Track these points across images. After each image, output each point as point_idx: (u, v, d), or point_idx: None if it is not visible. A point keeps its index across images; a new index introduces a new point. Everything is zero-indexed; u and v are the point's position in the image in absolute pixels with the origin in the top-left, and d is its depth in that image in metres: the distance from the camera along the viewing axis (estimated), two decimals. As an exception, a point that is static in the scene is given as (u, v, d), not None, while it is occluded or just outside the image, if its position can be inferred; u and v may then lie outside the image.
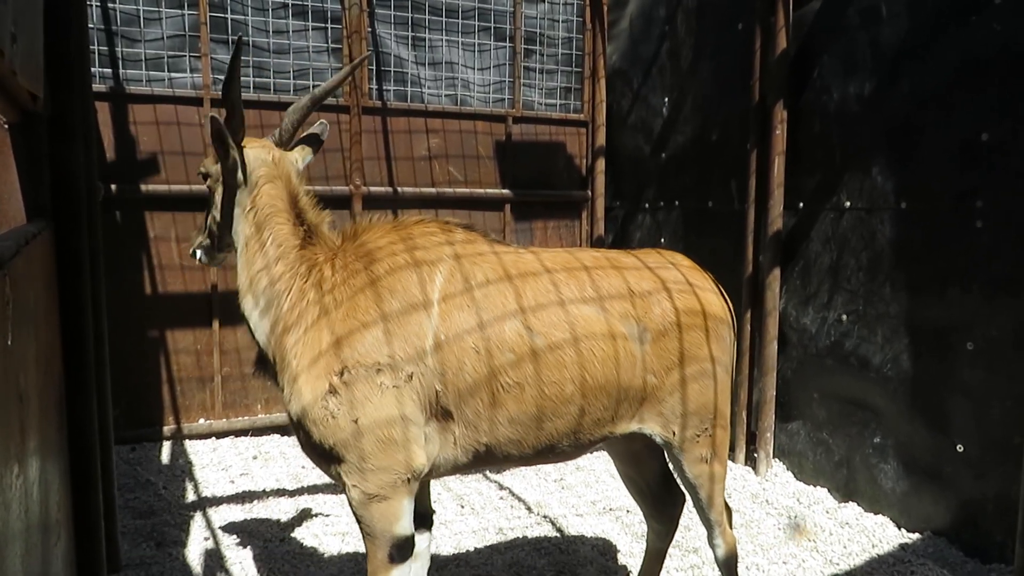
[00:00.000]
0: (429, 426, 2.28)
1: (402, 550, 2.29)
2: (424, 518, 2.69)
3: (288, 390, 2.27)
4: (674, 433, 2.57)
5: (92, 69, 4.56)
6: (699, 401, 2.57)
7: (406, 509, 2.27)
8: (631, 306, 2.46)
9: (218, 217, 2.51)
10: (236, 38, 2.66)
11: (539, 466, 4.73)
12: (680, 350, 2.52)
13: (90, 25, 4.59)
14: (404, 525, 2.28)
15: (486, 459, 2.40)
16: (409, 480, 2.24)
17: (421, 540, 2.65)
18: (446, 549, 3.61)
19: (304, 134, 2.69)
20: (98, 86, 4.70)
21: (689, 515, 3.95)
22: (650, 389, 2.51)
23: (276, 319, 2.36)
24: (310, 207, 2.48)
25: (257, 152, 2.47)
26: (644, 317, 2.48)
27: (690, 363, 2.54)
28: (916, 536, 3.76)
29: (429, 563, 2.75)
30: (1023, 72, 3.33)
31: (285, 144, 2.58)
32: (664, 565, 3.13)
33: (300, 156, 2.62)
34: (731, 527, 2.83)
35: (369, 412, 2.17)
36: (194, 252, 2.64)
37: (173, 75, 4.94)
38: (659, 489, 3.01)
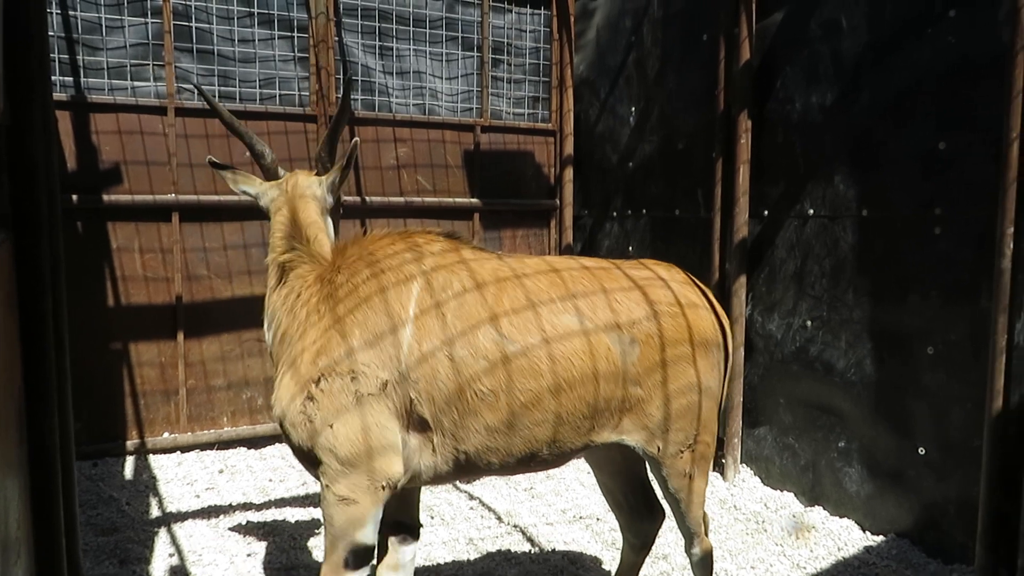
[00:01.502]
0: (408, 434, 2.33)
1: (358, 557, 2.32)
2: (411, 530, 2.71)
3: (274, 395, 2.38)
4: (658, 448, 2.56)
5: (53, 78, 4.49)
6: (685, 416, 2.57)
7: (372, 517, 2.30)
8: (614, 316, 2.47)
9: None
10: (195, 87, 2.83)
11: (509, 475, 4.74)
12: (667, 364, 2.52)
13: (51, 33, 4.52)
14: (367, 533, 2.31)
15: (467, 467, 2.41)
16: (383, 488, 2.28)
17: (406, 551, 2.68)
18: (416, 560, 3.59)
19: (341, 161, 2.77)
20: (59, 95, 4.62)
21: (659, 522, 3.98)
22: (634, 401, 2.50)
23: (275, 332, 2.50)
24: (315, 228, 2.57)
25: (271, 186, 2.67)
26: (630, 328, 2.48)
27: (677, 378, 2.54)
28: (880, 538, 3.82)
29: None
30: (978, 83, 3.42)
31: (324, 170, 2.73)
32: (635, 572, 3.15)
33: (324, 179, 2.70)
34: (708, 536, 2.84)
35: (344, 418, 2.24)
36: None
37: (136, 84, 4.88)
38: (636, 503, 3.00)
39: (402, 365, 2.27)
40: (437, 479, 2.46)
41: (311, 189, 2.65)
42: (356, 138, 2.75)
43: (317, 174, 2.73)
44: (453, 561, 3.59)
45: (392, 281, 2.36)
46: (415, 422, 2.32)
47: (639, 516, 3.00)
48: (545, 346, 2.35)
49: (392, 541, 2.67)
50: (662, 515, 3.03)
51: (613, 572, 3.18)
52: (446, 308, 2.32)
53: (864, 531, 3.92)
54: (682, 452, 2.59)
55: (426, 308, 2.32)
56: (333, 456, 2.26)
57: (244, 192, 2.71)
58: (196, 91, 2.53)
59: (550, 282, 2.47)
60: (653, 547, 3.70)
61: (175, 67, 4.92)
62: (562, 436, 2.43)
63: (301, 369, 2.31)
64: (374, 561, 2.51)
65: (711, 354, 2.63)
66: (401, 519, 2.68)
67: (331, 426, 2.24)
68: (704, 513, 2.80)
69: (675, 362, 2.54)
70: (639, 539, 3.03)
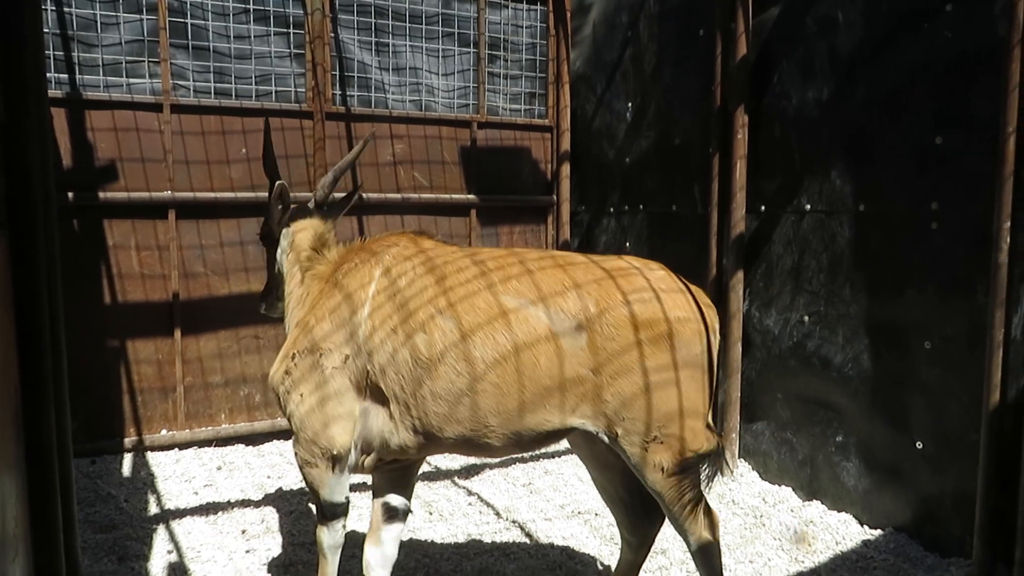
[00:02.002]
0: (367, 403, 2.65)
1: (327, 511, 2.76)
2: (399, 511, 2.94)
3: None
4: (617, 435, 2.57)
5: (48, 75, 4.47)
6: (647, 406, 2.54)
7: (331, 480, 2.69)
8: (559, 300, 2.54)
9: (274, 266, 3.13)
10: (264, 121, 3.26)
11: (507, 471, 4.74)
12: (624, 352, 2.51)
13: (45, 30, 4.51)
14: (329, 493, 2.72)
15: (427, 437, 2.62)
16: (335, 455, 2.64)
17: (390, 530, 2.93)
18: (415, 556, 3.60)
19: (343, 195, 3.35)
20: (54, 92, 4.61)
21: (657, 517, 3.98)
22: (589, 386, 2.53)
23: (288, 321, 2.98)
24: (329, 243, 3.05)
25: (295, 211, 3.11)
26: (576, 313, 2.53)
27: (637, 368, 2.52)
28: (878, 532, 3.83)
29: (395, 556, 2.95)
30: (974, 77, 3.42)
31: (321, 204, 3.16)
32: (632, 567, 3.14)
33: (330, 213, 3.19)
34: (713, 536, 2.72)
35: (309, 388, 2.65)
36: (261, 306, 3.23)
37: (131, 81, 4.87)
38: (632, 501, 2.98)
39: (360, 339, 2.62)
40: (405, 450, 2.68)
41: (322, 217, 3.14)
42: (360, 183, 3.39)
43: (316, 204, 3.18)
44: (452, 557, 3.60)
45: (360, 274, 2.75)
46: (373, 392, 2.63)
47: (635, 514, 2.98)
48: (481, 324, 2.52)
49: (379, 518, 2.93)
50: (661, 519, 2.98)
51: (612, 568, 3.18)
52: (398, 290, 2.65)
53: (862, 525, 3.93)
54: (647, 443, 2.56)
55: (382, 290, 2.67)
56: (297, 420, 2.68)
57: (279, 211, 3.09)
58: (264, 124, 3.10)
59: (498, 267, 2.65)
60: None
61: (171, 64, 4.91)
62: (507, 411, 2.53)
63: (287, 346, 2.78)
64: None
65: (680, 347, 2.58)
66: (390, 499, 2.93)
67: (301, 394, 2.66)
68: (711, 511, 2.74)
69: (629, 351, 2.52)
70: (636, 538, 3.01)
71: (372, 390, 2.64)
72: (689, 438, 2.60)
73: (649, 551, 3.07)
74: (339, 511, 2.79)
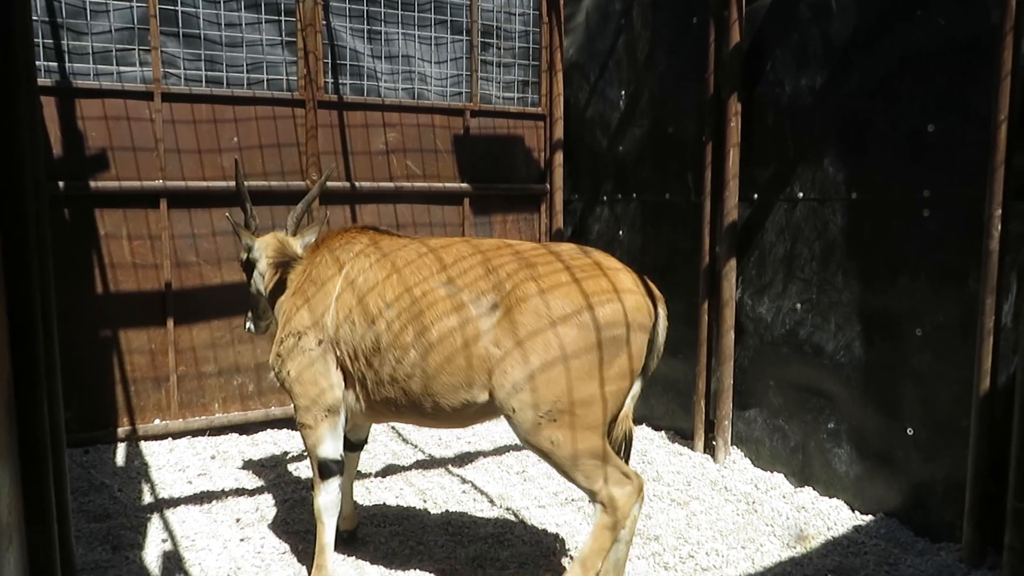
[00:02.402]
0: (342, 381, 3.06)
1: (324, 469, 3.12)
2: (353, 445, 3.48)
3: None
4: (513, 410, 2.67)
5: (37, 63, 4.44)
6: (537, 383, 2.62)
7: (327, 437, 3.11)
8: (483, 283, 2.76)
9: (252, 288, 3.48)
10: (235, 161, 3.57)
11: (501, 459, 4.76)
12: (524, 330, 2.64)
13: (34, 17, 4.47)
14: (326, 450, 3.11)
15: (379, 408, 3.03)
16: (327, 414, 3.07)
17: (351, 457, 3.45)
18: (409, 544, 3.61)
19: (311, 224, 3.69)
20: (44, 80, 4.57)
21: (650, 503, 4.00)
22: (494, 363, 2.70)
23: (277, 316, 3.36)
24: (295, 249, 3.40)
25: (266, 239, 3.43)
26: (492, 293, 2.73)
27: (535, 347, 2.62)
28: (869, 518, 3.86)
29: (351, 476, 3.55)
30: (967, 64, 3.43)
31: (294, 232, 3.53)
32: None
33: (300, 238, 3.50)
34: (624, 493, 2.75)
35: (295, 365, 3.09)
36: (246, 325, 3.59)
37: (122, 69, 4.83)
38: None
39: (329, 329, 3.04)
40: (366, 418, 3.18)
41: (296, 242, 3.48)
42: (327, 213, 3.87)
43: (290, 232, 3.56)
44: (446, 544, 3.61)
45: (327, 272, 3.14)
46: (345, 371, 3.05)
47: None
48: (413, 313, 2.82)
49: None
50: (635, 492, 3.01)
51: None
52: (355, 287, 3.02)
53: (853, 511, 3.96)
54: (541, 420, 2.63)
55: (344, 288, 3.05)
56: (293, 393, 3.12)
57: (241, 238, 3.43)
58: (236, 165, 3.48)
59: (438, 256, 2.93)
60: (645, 529, 3.74)
61: (161, 52, 4.87)
62: (435, 390, 2.83)
63: (277, 336, 3.23)
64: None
65: (588, 329, 2.62)
66: (350, 438, 3.40)
67: (289, 372, 3.11)
68: (627, 472, 2.77)
69: (531, 331, 2.64)
70: None
71: (344, 370, 3.06)
72: (582, 414, 2.64)
73: (632, 532, 3.08)
74: (335, 468, 3.13)
